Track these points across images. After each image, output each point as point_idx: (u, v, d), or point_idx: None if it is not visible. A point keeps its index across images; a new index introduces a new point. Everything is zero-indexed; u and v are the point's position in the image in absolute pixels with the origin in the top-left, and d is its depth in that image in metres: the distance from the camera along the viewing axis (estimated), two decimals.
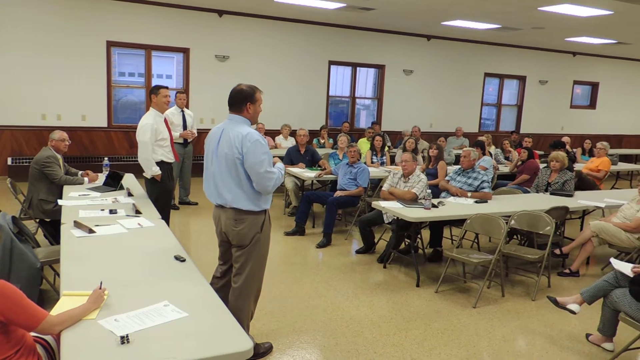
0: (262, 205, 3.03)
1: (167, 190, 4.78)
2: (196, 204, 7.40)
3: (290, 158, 7.19)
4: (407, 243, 5.45)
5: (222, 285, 3.25)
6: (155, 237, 3.36)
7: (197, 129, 7.50)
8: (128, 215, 3.83)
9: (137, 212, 3.92)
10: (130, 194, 4.58)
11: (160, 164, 4.66)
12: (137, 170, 5.02)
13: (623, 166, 10.07)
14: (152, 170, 4.53)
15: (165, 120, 4.77)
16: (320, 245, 5.76)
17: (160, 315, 2.16)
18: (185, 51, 9.41)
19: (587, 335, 3.75)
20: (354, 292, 4.50)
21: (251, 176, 2.92)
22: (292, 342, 3.52)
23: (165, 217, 4.35)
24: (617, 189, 9.12)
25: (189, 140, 7.10)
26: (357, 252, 5.63)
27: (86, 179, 5.11)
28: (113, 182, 4.92)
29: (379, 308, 4.17)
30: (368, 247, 5.61)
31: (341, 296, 4.38)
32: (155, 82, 9.46)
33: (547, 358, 3.47)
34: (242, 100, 3.00)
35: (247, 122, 3.02)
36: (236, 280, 3.10)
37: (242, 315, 3.11)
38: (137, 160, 4.67)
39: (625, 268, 3.49)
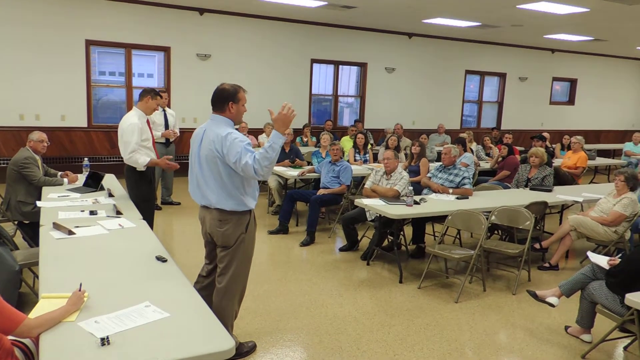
0: (246, 205, 3.01)
1: (149, 191, 4.73)
2: (179, 204, 7.35)
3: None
4: (390, 240, 5.49)
5: (207, 284, 3.25)
6: (136, 238, 3.34)
7: (180, 129, 7.46)
8: (109, 216, 3.79)
9: (118, 212, 3.89)
10: (111, 195, 4.54)
11: None
12: (118, 171, 4.97)
13: (601, 161, 10.25)
14: (141, 163, 4.42)
15: (147, 121, 4.73)
16: (304, 244, 5.77)
17: (141, 316, 2.15)
18: (166, 50, 9.33)
19: (566, 328, 3.83)
20: (338, 289, 4.52)
21: (239, 172, 2.84)
22: (275, 340, 3.53)
23: (149, 218, 4.31)
24: (595, 183, 9.30)
25: (171, 140, 7.05)
26: (341, 249, 5.65)
27: (66, 180, 5.04)
28: (93, 183, 4.87)
29: (363, 305, 4.19)
30: (351, 244, 5.63)
31: (325, 294, 4.40)
32: (136, 81, 9.37)
33: (527, 350, 3.54)
34: (224, 100, 2.98)
35: (229, 123, 2.99)
36: (220, 280, 3.09)
37: (226, 315, 3.10)
38: (118, 161, 4.63)
39: (602, 261, 3.56)
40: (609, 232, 4.99)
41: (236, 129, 3.02)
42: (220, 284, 3.09)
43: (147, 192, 4.64)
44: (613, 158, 11.58)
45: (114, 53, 9.29)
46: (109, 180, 5.22)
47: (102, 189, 4.77)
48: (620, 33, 10.33)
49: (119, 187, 5.02)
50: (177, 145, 7.71)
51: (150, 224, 4.22)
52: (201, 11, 9.39)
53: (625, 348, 3.60)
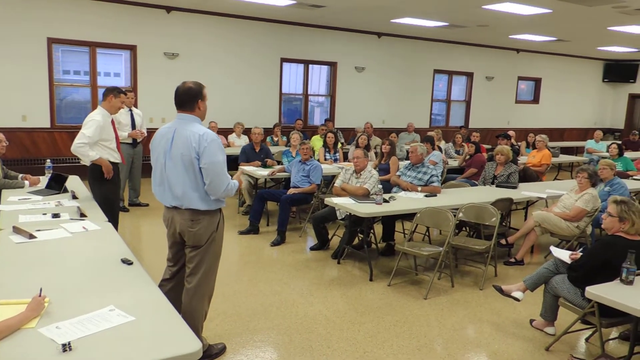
0: (218, 204, 3.01)
1: (114, 192, 4.64)
2: (147, 205, 7.22)
3: (247, 156, 7.16)
4: (360, 238, 5.52)
5: (172, 287, 3.20)
6: (101, 241, 3.26)
7: (147, 129, 7.32)
8: (72, 219, 3.70)
9: (82, 215, 3.80)
10: (74, 197, 4.43)
11: None
12: (83, 172, 4.85)
13: (564, 158, 10.55)
14: (89, 157, 4.34)
15: (112, 121, 4.63)
16: (275, 243, 5.75)
17: (105, 320, 2.10)
18: (132, 48, 9.15)
19: (531, 321, 3.92)
20: (309, 288, 4.52)
21: (205, 176, 2.87)
22: (245, 341, 3.50)
23: (114, 220, 4.23)
24: (559, 179, 9.56)
25: (138, 141, 6.92)
26: (311, 248, 5.66)
27: (27, 182, 4.88)
28: (56, 185, 4.73)
29: (333, 303, 4.21)
30: (322, 243, 5.64)
31: (295, 293, 4.40)
32: (102, 80, 9.16)
33: (493, 344, 3.61)
34: (193, 98, 2.95)
35: (199, 121, 2.98)
36: (190, 280, 3.06)
37: (196, 315, 3.08)
38: (84, 162, 4.50)
39: (564, 255, 3.67)
40: (571, 227, 5.13)
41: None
42: (190, 284, 3.05)
43: (112, 193, 4.55)
44: (576, 155, 11.94)
45: (79, 51, 9.06)
46: (73, 182, 5.08)
47: (65, 191, 4.64)
48: (581, 34, 10.65)
49: (84, 189, 4.89)
50: (144, 146, 7.56)
51: (115, 227, 4.13)
52: (168, 9, 9.24)
53: (586, 339, 3.72)
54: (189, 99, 2.95)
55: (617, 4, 7.32)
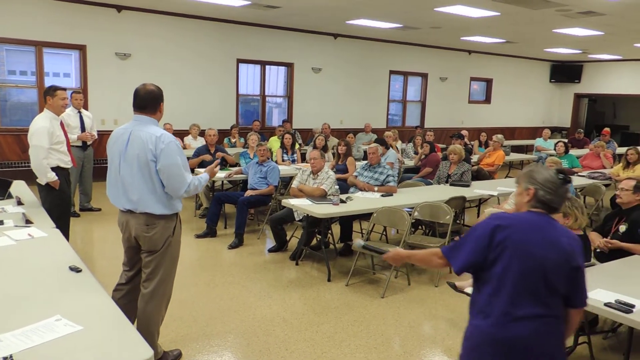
0: (175, 208, 2.97)
1: (64, 198, 4.48)
2: (99, 210, 7.00)
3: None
4: (318, 239, 5.54)
5: (127, 291, 3.13)
6: (48, 248, 3.14)
7: (98, 131, 7.11)
8: (17, 226, 3.54)
9: (28, 222, 3.64)
10: (20, 203, 4.23)
11: (56, 169, 4.36)
12: (30, 177, 4.66)
13: (515, 156, 10.92)
14: (47, 177, 4.23)
15: (62, 123, 4.48)
16: (232, 246, 5.70)
17: (51, 331, 2.03)
18: (81, 48, 8.84)
19: None
20: (267, 291, 4.50)
21: (163, 178, 2.84)
22: (202, 347, 3.46)
23: (64, 226, 4.10)
24: (510, 177, 9.89)
25: (88, 143, 6.70)
26: (270, 250, 5.63)
27: None
28: (0, 191, 4.52)
29: (291, 305, 4.21)
30: (280, 245, 5.63)
31: (253, 296, 4.37)
32: (51, 81, 8.79)
33: (448, 340, 3.70)
34: (155, 100, 2.94)
35: (156, 123, 2.95)
36: (146, 285, 3.00)
37: (152, 321, 3.03)
38: (29, 166, 4.33)
39: None
40: None
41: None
42: (147, 289, 3.00)
43: (61, 198, 4.40)
44: (526, 153, 12.37)
45: (25, 51, 8.69)
46: (18, 187, 4.86)
47: (10, 197, 4.44)
48: (528, 36, 11.05)
49: (30, 194, 4.69)
50: (95, 149, 7.34)
51: (66, 233, 4.00)
52: (119, 8, 8.99)
53: None
54: (151, 101, 2.92)
55: (560, 7, 7.63)
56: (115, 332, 2.07)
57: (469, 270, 2.01)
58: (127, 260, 3.14)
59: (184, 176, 2.87)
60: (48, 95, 4.32)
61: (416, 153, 9.32)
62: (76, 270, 2.71)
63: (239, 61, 10.75)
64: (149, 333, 2.97)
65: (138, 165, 2.83)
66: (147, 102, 2.91)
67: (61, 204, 4.41)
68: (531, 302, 1.89)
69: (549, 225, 1.98)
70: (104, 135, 8.25)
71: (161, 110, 2.98)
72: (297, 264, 5.24)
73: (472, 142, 10.63)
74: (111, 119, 9.00)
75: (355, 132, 10.90)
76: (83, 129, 6.57)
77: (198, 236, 6.02)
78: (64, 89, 4.39)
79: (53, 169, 4.31)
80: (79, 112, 6.58)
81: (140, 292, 3.03)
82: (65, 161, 4.48)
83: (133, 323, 2.90)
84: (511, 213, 2.06)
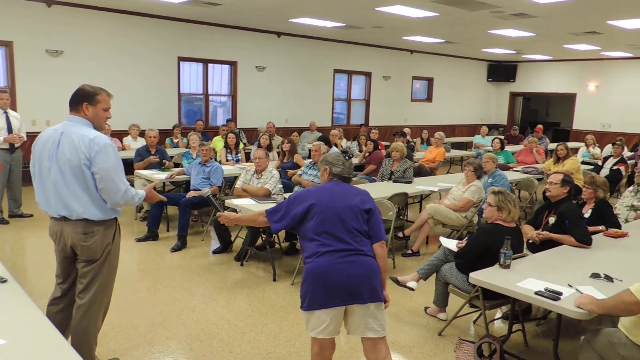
0: (114, 212, 2.82)
1: None
2: (31, 215, 6.62)
3: (142, 158, 6.83)
4: (263, 239, 5.50)
5: (65, 305, 2.93)
6: None
7: (28, 132, 6.72)
8: None
9: None
10: None
11: None
12: None
13: (455, 153, 11.28)
14: None
15: None
16: (175, 249, 5.56)
17: None
18: (7, 45, 8.34)
19: (425, 308, 4.15)
20: (211, 293, 4.42)
21: (98, 182, 2.68)
22: (142, 354, 3.34)
23: None
24: (451, 173, 10.19)
25: (16, 146, 6.32)
26: (214, 252, 5.54)
27: None
28: None
29: (236, 307, 4.15)
30: (225, 246, 5.55)
31: (196, 299, 4.27)
32: None
33: (392, 333, 3.76)
34: (79, 99, 2.75)
35: (89, 124, 2.76)
36: (82, 296, 2.83)
37: (89, 334, 2.87)
38: None
39: (451, 244, 3.91)
40: (460, 217, 5.50)
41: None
42: (83, 299, 2.83)
43: None
44: (466, 150, 12.80)
45: None
46: None
47: None
48: (466, 36, 11.43)
49: None
50: (25, 152, 6.94)
51: None
52: (48, 3, 8.54)
53: (474, 322, 4.00)
54: (75, 99, 2.76)
55: (494, 9, 7.94)
56: (45, 346, 1.96)
57: (286, 229, 2.73)
58: (61, 272, 2.94)
59: (121, 180, 2.73)
60: None
61: (361, 151, 9.44)
62: (1, 280, 2.55)
63: (180, 59, 10.49)
64: (86, 347, 2.82)
65: (70, 169, 2.67)
66: (71, 99, 2.76)
67: None
68: (334, 240, 2.55)
69: (344, 189, 2.73)
70: (34, 137, 7.83)
71: (86, 112, 2.74)
72: (242, 264, 5.17)
73: (414, 140, 10.88)
74: (43, 120, 8.55)
75: (301, 130, 10.91)
76: (10, 130, 6.20)
77: (139, 240, 5.82)
78: None
79: None
80: (6, 112, 6.20)
81: (76, 304, 2.86)
82: None
83: (68, 337, 2.77)
84: (317, 185, 2.94)
